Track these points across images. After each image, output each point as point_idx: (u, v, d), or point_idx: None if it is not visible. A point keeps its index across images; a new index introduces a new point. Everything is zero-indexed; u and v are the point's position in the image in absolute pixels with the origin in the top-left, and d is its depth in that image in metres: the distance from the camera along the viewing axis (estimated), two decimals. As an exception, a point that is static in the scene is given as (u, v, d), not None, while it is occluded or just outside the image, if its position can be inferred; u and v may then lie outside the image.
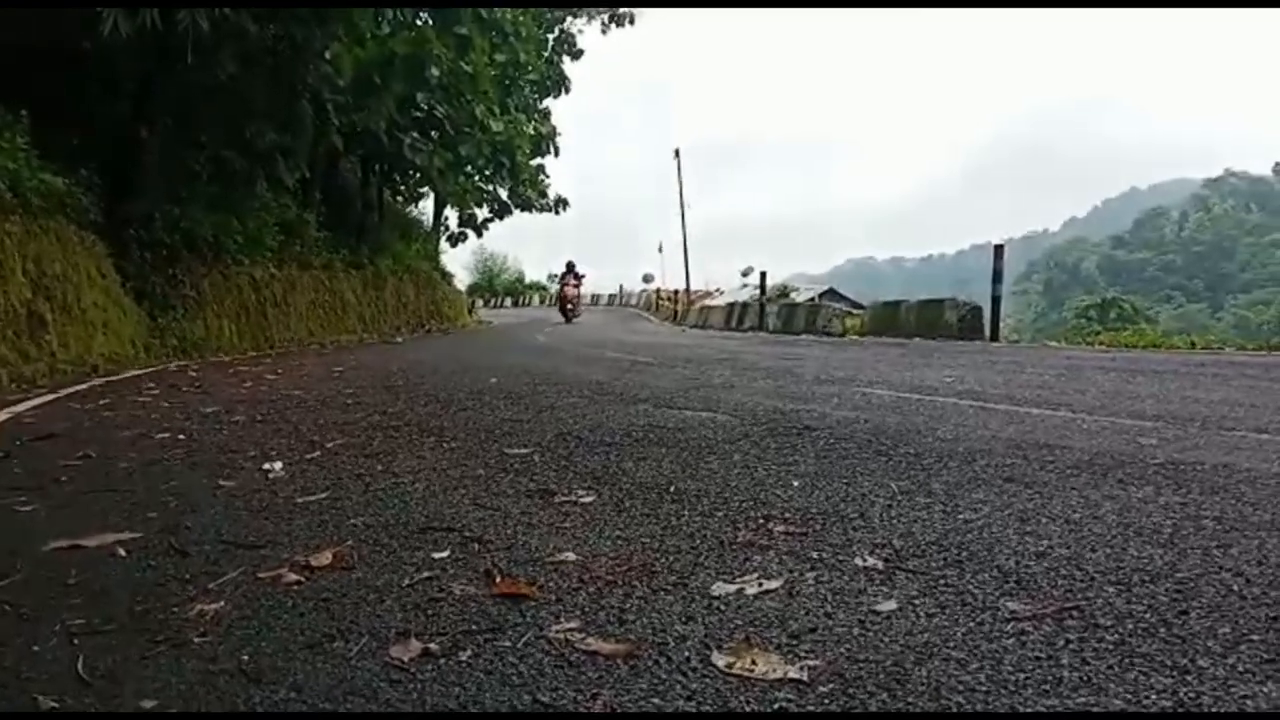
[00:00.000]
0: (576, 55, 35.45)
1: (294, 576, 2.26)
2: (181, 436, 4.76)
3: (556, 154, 36.15)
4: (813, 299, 34.63)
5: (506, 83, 28.98)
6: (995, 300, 15.28)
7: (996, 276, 15.32)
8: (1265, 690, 1.51)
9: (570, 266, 36.46)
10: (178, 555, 2.50)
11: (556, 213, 37.68)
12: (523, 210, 36.14)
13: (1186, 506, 2.76)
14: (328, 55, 15.03)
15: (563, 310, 35.16)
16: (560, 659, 1.71)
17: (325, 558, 2.40)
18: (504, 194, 35.10)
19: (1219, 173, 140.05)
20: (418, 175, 26.90)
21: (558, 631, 1.84)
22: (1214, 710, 1.46)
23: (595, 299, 68.07)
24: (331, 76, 15.57)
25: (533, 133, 33.75)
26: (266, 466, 3.79)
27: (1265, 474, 3.19)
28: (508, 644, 1.79)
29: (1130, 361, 9.05)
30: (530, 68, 31.11)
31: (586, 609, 1.97)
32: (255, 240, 15.46)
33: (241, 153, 14.03)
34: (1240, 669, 1.60)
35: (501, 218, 35.88)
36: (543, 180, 36.57)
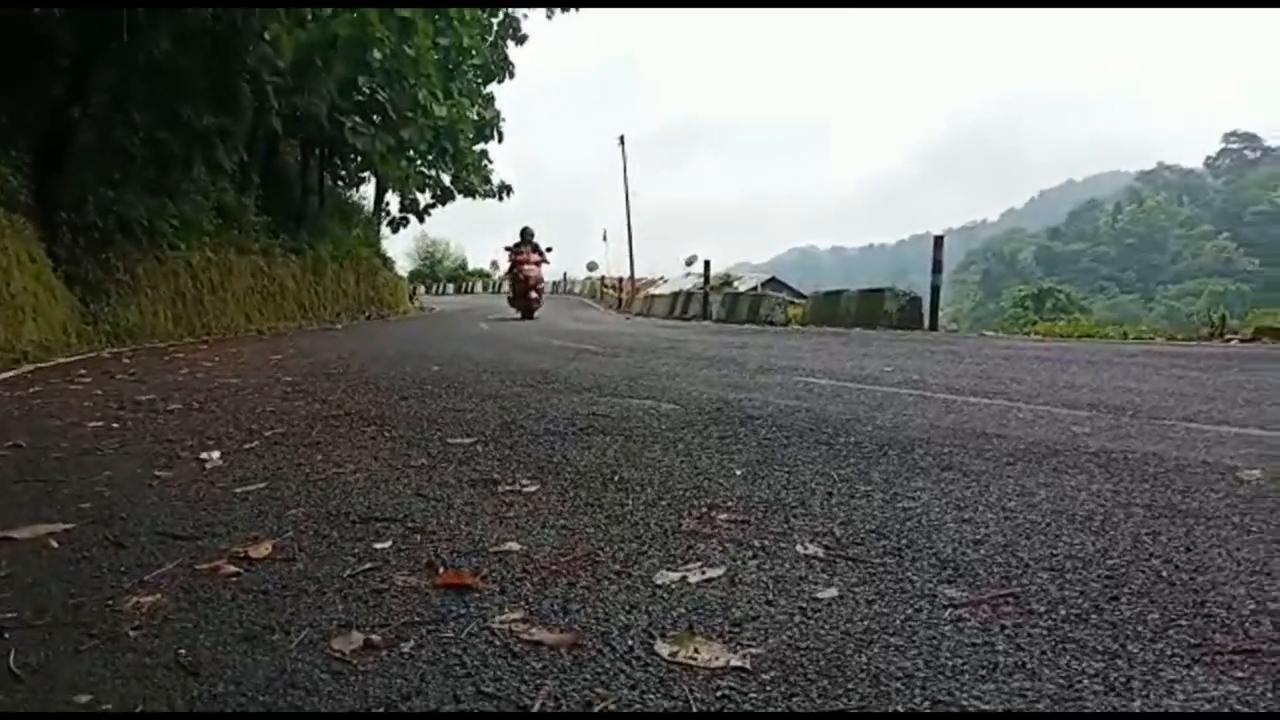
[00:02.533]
0: (521, 40, 35.19)
1: (232, 568, 2.23)
2: (115, 425, 4.67)
3: (500, 139, 35.93)
4: (756, 288, 34.85)
5: (450, 67, 28.71)
6: (934, 290, 15.47)
7: (936, 267, 15.51)
8: (1192, 674, 1.55)
9: (527, 236, 25.19)
10: (112, 547, 2.45)
11: (500, 199, 37.32)
12: (466, 196, 35.78)
13: (1118, 494, 2.82)
14: (267, 36, 14.77)
15: (520, 298, 24.64)
16: (504, 649, 1.71)
17: (264, 549, 2.37)
18: (447, 179, 34.74)
19: (1152, 165, 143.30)
20: (359, 159, 26.58)
21: (501, 622, 1.84)
22: (1145, 695, 1.50)
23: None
24: (271, 58, 15.30)
25: (476, 118, 33.48)
26: (204, 456, 3.73)
27: (1193, 462, 3.27)
28: (451, 635, 1.78)
29: (1065, 351, 9.23)
30: (474, 52, 30.85)
31: (530, 599, 1.97)
32: (191, 224, 15.18)
33: (178, 135, 13.72)
34: (1169, 654, 1.64)
35: (444, 203, 35.50)
36: (486, 166, 36.25)
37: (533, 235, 25.22)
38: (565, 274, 62.80)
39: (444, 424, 4.48)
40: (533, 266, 24.73)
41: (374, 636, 1.77)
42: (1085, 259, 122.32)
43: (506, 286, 27.61)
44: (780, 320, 19.69)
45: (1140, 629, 1.75)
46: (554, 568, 2.18)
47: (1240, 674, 1.55)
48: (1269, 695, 1.47)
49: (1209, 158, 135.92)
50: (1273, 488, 2.86)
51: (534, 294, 24.47)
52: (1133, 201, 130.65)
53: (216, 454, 3.76)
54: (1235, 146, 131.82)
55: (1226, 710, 1.44)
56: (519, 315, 24.05)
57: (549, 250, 25.46)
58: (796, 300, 23.65)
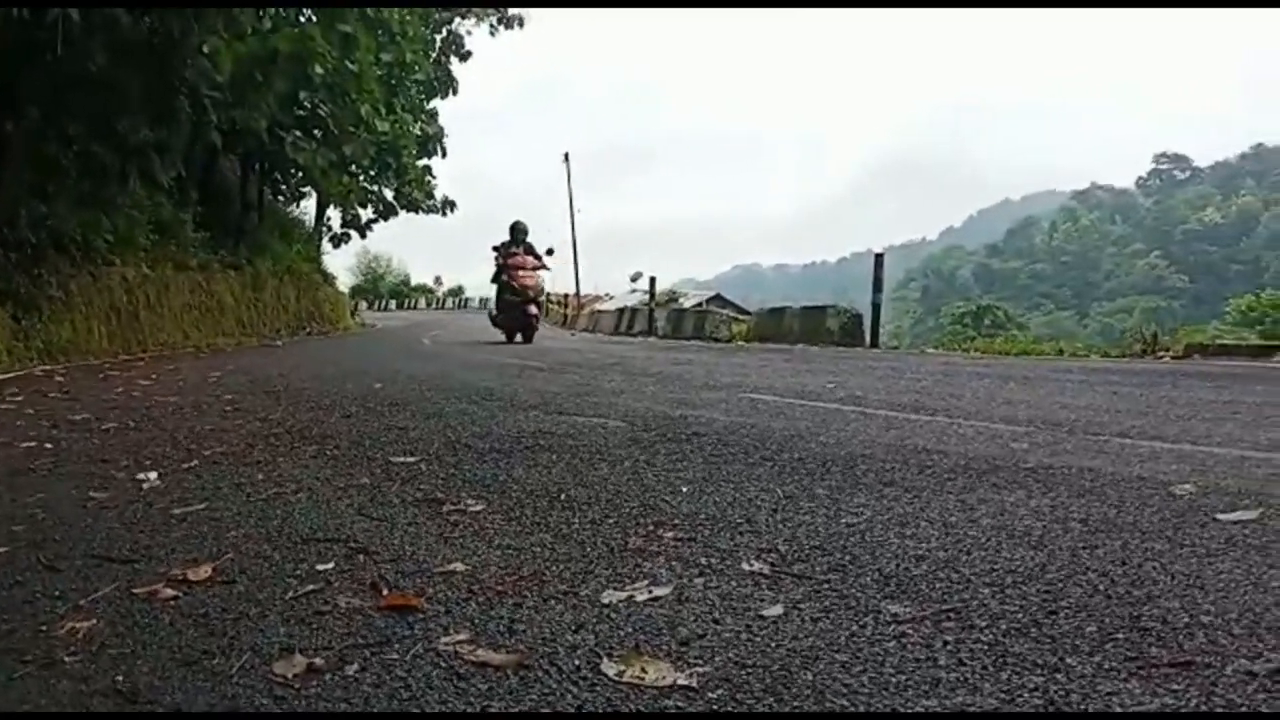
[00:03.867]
0: (465, 57, 35.12)
1: (171, 591, 2.19)
2: (49, 445, 4.56)
3: (444, 155, 35.72)
4: (700, 304, 34.99)
5: (393, 82, 28.48)
6: (875, 307, 15.68)
7: (877, 284, 15.72)
8: (1129, 687, 1.58)
9: (519, 233, 18.73)
10: (46, 570, 2.39)
11: (444, 214, 37.12)
12: (409, 211, 35.53)
13: (1055, 509, 2.88)
14: (206, 50, 14.55)
15: (512, 312, 18.29)
16: (449, 671, 1.69)
17: (204, 571, 2.33)
18: (389, 195, 34.48)
19: (1086, 185, 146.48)
20: (300, 174, 26.26)
21: (447, 643, 1.82)
22: (1083, 709, 1.52)
23: (484, 302, 67.59)
24: (210, 72, 15.06)
25: (419, 133, 33.29)
26: (140, 476, 3.66)
27: (1128, 477, 3.35)
28: (395, 657, 1.77)
29: (1003, 368, 9.39)
30: (417, 68, 30.64)
31: (476, 620, 1.96)
32: (127, 239, 14.88)
33: (113, 148, 13.44)
34: (1106, 667, 1.67)
35: (386, 219, 35.21)
36: (429, 181, 36.04)
37: (526, 232, 18.69)
38: (510, 290, 62.51)
39: (387, 442, 4.44)
40: (529, 273, 18.12)
41: (317, 660, 1.75)
42: (1023, 276, 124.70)
43: (491, 299, 20.97)
44: (724, 336, 19.80)
45: (1078, 643, 1.79)
46: (500, 588, 2.17)
47: (1175, 686, 1.59)
48: (1203, 708, 1.51)
49: (1140, 178, 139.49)
50: (1204, 502, 2.93)
51: (533, 308, 18.16)
52: (1068, 220, 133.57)
53: (154, 474, 3.69)
54: (1165, 167, 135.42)
55: (1162, 721, 1.47)
56: (508, 338, 18.35)
57: (550, 253, 18.88)
58: (741, 317, 23.78)
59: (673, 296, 34.24)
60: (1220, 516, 2.74)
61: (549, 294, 46.57)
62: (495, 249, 18.68)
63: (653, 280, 27.40)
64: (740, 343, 18.07)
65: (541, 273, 18.65)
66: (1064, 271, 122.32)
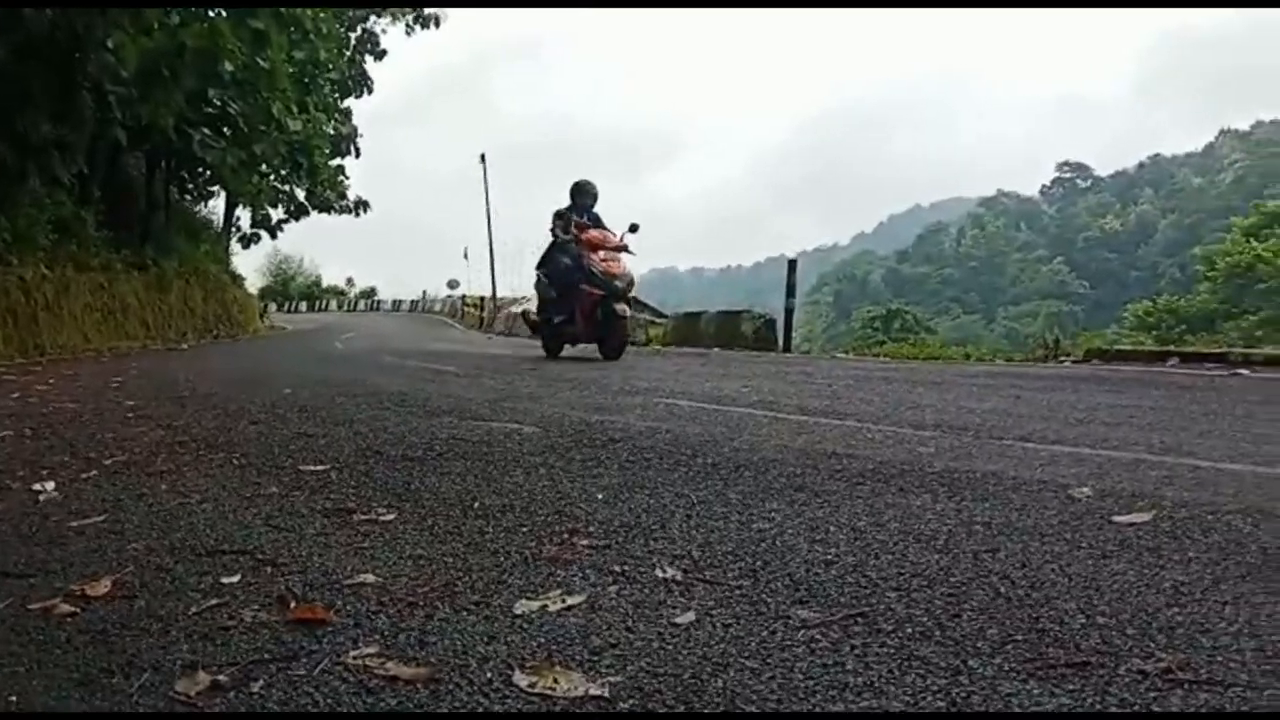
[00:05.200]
0: (380, 55, 34.73)
1: (68, 607, 2.12)
2: (-63, 454, 4.38)
3: (357, 155, 35.23)
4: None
5: (305, 81, 28.00)
6: (788, 312, 15.88)
7: (789, 290, 15.92)
8: (1028, 688, 1.63)
9: (584, 196, 12.73)
10: (-67, 588, 2.30)
11: (357, 215, 36.60)
12: (321, 212, 34.97)
13: (960, 513, 2.95)
14: (110, 45, 14.14)
15: (585, 318, 11.92)
16: (358, 686, 1.67)
17: (103, 586, 2.26)
18: (301, 195, 33.90)
19: (993, 193, 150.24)
20: (208, 173, 25.66)
21: (356, 657, 1.80)
22: (985, 709, 1.57)
23: (397, 305, 66.84)
24: (114, 67, 14.66)
25: (333, 132, 32.77)
26: (37, 487, 3.54)
27: (1030, 480, 3.44)
28: (303, 672, 1.74)
29: (911, 372, 9.58)
30: (331, 66, 30.19)
31: (386, 633, 1.94)
32: (25, 239, 14.38)
33: (12, 146, 13.00)
34: (1006, 668, 1.72)
35: (298, 219, 34.64)
36: (342, 181, 35.50)
37: (596, 197, 12.76)
38: (425, 292, 62.04)
39: (296, 450, 4.36)
40: (614, 256, 11.93)
41: (221, 676, 1.71)
42: (931, 281, 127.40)
43: (529, 295, 15.78)
44: (642, 340, 19.85)
45: (980, 645, 1.83)
46: (411, 599, 2.15)
47: (1071, 686, 1.64)
48: (1098, 706, 1.56)
49: (1044, 186, 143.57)
50: (1100, 505, 3.03)
51: (621, 307, 11.69)
52: (975, 227, 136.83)
53: (51, 485, 3.57)
54: (1068, 175, 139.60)
55: (1057, 721, 1.52)
56: (553, 351, 12.84)
57: (634, 230, 12.25)
58: (658, 320, 23.88)
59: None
60: (1116, 519, 2.84)
61: (465, 296, 46.25)
62: (558, 216, 12.33)
63: (571, 283, 27.18)
64: (657, 346, 18.15)
65: (626, 259, 12.08)
66: (971, 277, 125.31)
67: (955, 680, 1.67)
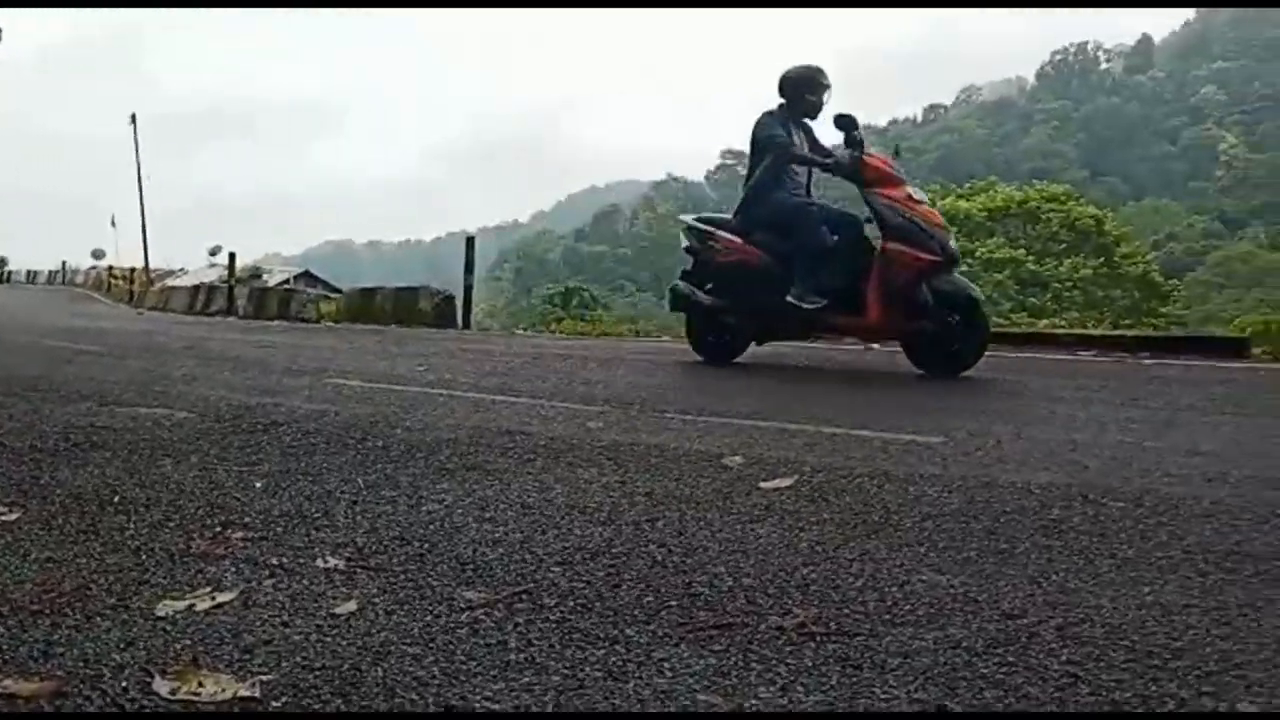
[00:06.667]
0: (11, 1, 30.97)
1: None
2: None
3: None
4: (287, 281, 33.51)
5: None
6: (467, 289, 15.86)
7: (468, 266, 15.88)
8: (679, 652, 1.71)
9: (815, 91, 7.42)
10: None
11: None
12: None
13: (624, 485, 3.06)
14: None
15: (879, 298, 6.66)
16: (-34, 709, 1.49)
17: None
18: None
19: (663, 176, 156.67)
20: None
21: (-36, 677, 1.60)
22: (640, 676, 1.63)
23: (32, 276, 60.26)
24: None
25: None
26: None
27: (689, 451, 3.64)
28: (-105, 700, 1.53)
29: (586, 349, 9.83)
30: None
31: (5, 646, 1.74)
32: None
33: None
34: (660, 634, 1.80)
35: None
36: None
37: (829, 91, 7.56)
38: (65, 263, 56.24)
39: (-100, 443, 3.83)
40: (917, 194, 6.96)
41: None
42: (607, 260, 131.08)
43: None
44: (313, 317, 19.08)
45: (637, 613, 1.91)
46: (35, 606, 1.94)
47: (718, 647, 1.74)
48: (741, 664, 1.67)
49: (709, 171, 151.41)
50: (749, 472, 3.25)
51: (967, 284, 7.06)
52: (647, 209, 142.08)
53: None
54: (730, 162, 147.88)
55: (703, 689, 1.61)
56: (717, 354, 7.50)
57: (896, 155, 7.35)
58: (331, 295, 23.05)
59: (256, 273, 32.50)
60: (762, 485, 3.06)
61: (113, 268, 42.36)
62: (768, 116, 7.44)
63: (233, 255, 25.70)
64: (330, 323, 17.51)
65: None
66: (644, 256, 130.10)
67: (613, 650, 1.73)
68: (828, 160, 7.12)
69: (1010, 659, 1.69)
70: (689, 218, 8.01)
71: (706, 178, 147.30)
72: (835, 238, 6.92)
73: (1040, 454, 3.61)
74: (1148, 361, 7.50)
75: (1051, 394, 5.45)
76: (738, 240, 7.22)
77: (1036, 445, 3.81)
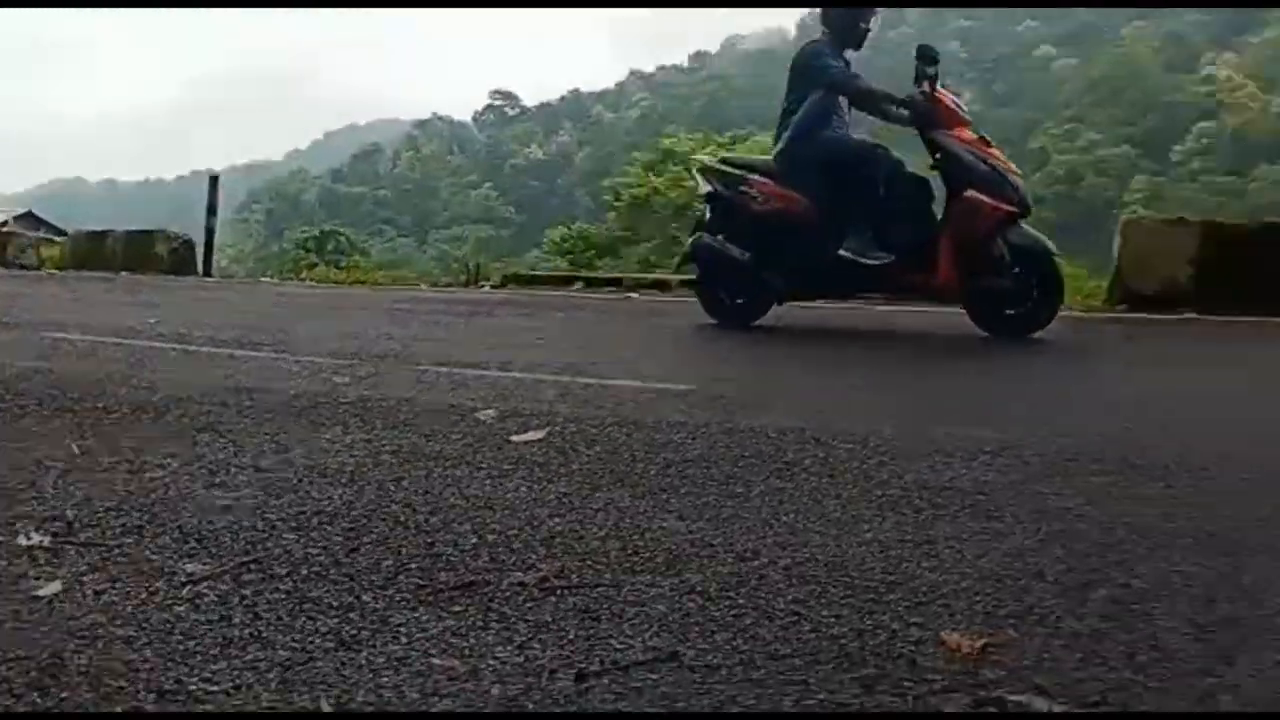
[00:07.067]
0: None
1: None
2: None
3: None
4: (6, 223, 30.58)
5: None
6: (209, 233, 14.92)
7: (210, 208, 14.95)
8: (418, 616, 1.67)
9: (868, 18, 6.67)
10: None
11: None
12: None
13: (370, 443, 2.97)
14: None
15: (950, 252, 5.96)
16: None
17: None
18: None
19: (428, 115, 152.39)
20: None
21: None
22: (374, 644, 1.58)
23: None
24: None
25: None
26: None
27: (440, 405, 3.57)
28: None
29: (338, 298, 9.51)
30: None
31: None
32: None
33: None
34: (398, 599, 1.75)
35: None
36: None
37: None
38: None
39: None
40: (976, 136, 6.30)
41: None
42: (366, 202, 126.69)
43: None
44: (33, 263, 17.45)
45: (374, 578, 1.85)
46: None
47: (458, 608, 1.72)
48: (480, 624, 1.65)
49: (476, 112, 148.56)
50: (501, 426, 3.22)
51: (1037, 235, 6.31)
52: (410, 149, 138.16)
53: None
54: (498, 103, 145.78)
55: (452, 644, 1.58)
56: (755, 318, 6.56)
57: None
58: (55, 239, 21.16)
59: (-36, 215, 29.39)
60: (514, 438, 3.04)
61: None
62: (817, 44, 6.76)
63: (-61, 196, 23.15)
64: (52, 270, 16.07)
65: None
66: (405, 199, 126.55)
67: (346, 618, 1.67)
68: (901, 98, 6.30)
69: (741, 601, 1.75)
70: (708, 158, 7.28)
71: (474, 119, 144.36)
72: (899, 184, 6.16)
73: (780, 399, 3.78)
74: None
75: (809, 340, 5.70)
76: (775, 186, 6.34)
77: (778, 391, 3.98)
